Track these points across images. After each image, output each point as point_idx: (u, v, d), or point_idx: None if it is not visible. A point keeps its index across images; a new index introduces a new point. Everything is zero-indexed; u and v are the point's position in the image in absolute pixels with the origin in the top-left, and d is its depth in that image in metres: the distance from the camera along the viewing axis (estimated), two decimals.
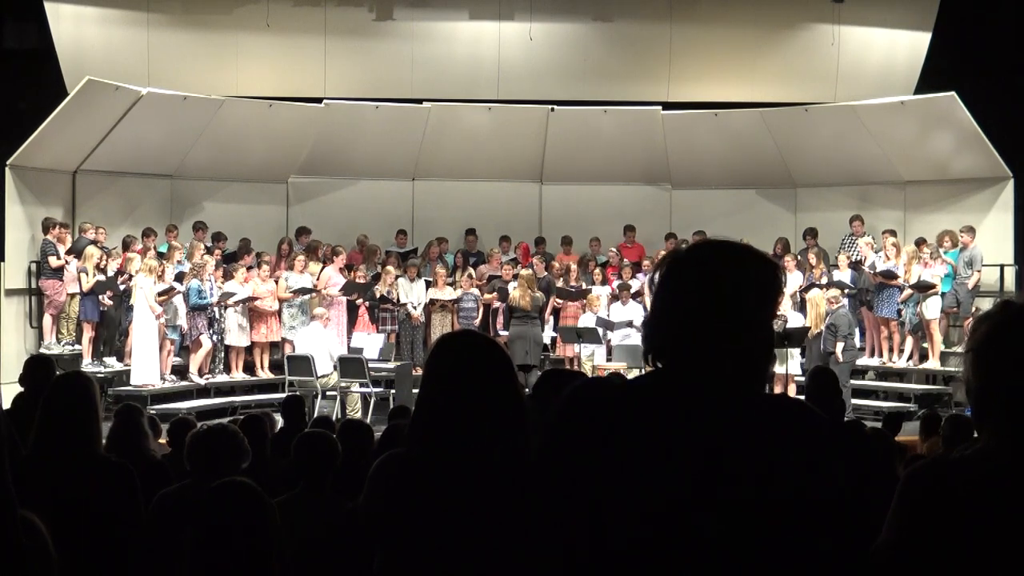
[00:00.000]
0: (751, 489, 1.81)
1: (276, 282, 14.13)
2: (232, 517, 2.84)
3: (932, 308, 13.29)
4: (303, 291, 14.02)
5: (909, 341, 13.68)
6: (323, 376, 12.81)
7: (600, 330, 13.64)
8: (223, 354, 13.86)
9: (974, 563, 1.85)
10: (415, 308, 14.39)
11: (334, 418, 10.79)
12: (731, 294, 1.90)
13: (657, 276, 1.99)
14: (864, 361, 13.97)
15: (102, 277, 12.98)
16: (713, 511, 1.81)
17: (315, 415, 10.62)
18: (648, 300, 14.21)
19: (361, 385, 12.82)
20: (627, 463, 1.86)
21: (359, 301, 14.23)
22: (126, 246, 13.82)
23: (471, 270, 15.01)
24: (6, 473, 1.87)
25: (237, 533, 2.83)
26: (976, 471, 1.89)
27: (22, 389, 5.72)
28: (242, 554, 2.82)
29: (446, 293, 14.50)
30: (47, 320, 13.30)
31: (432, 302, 14.48)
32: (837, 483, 1.84)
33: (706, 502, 1.81)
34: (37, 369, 5.64)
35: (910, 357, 13.69)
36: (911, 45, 15.75)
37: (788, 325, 12.83)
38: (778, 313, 1.99)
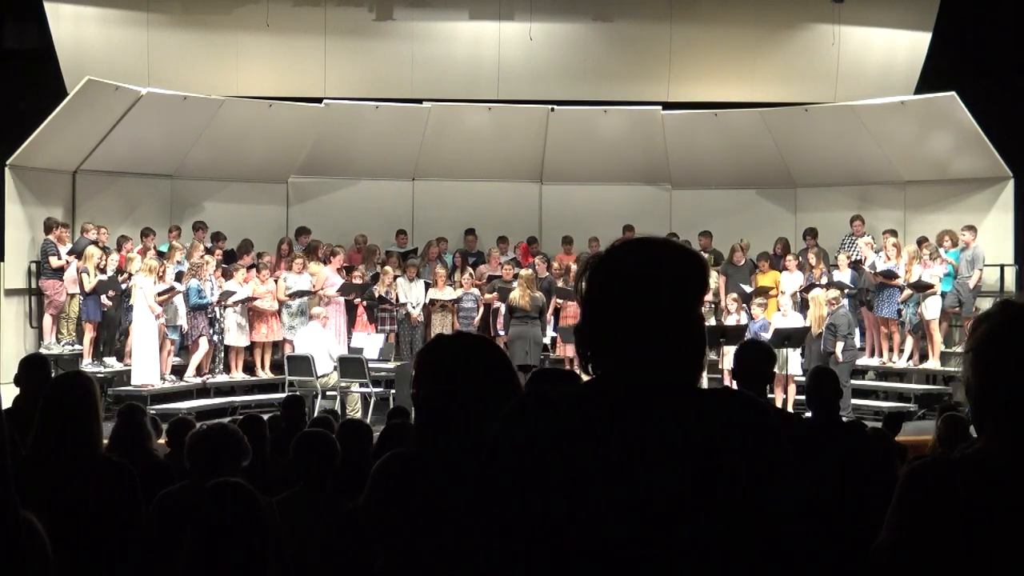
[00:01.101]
0: (696, 483, 1.80)
1: (275, 282, 14.14)
2: (225, 517, 2.84)
3: (932, 308, 13.29)
4: (299, 294, 14.02)
5: (909, 341, 13.68)
6: (323, 376, 12.81)
7: None
8: (223, 354, 13.86)
9: (974, 563, 1.85)
10: (414, 308, 14.39)
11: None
12: (655, 291, 1.89)
13: (582, 282, 1.97)
14: (864, 361, 13.97)
15: (103, 277, 12.98)
16: (661, 509, 1.80)
17: (315, 414, 10.61)
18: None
19: (361, 385, 12.82)
20: (571, 473, 1.84)
21: (357, 301, 14.23)
22: (119, 246, 13.82)
23: (470, 270, 15.01)
24: (8, 474, 1.87)
25: (230, 533, 2.83)
26: (976, 471, 1.88)
27: (19, 389, 5.72)
28: (235, 554, 2.82)
29: (446, 293, 14.49)
30: (47, 320, 13.30)
31: (432, 302, 14.47)
32: (778, 469, 1.84)
33: (652, 501, 1.80)
34: (32, 369, 5.63)
35: (910, 357, 13.69)
36: (911, 45, 15.75)
37: (788, 325, 12.84)
38: (705, 301, 1.99)
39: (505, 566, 1.98)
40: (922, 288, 13.18)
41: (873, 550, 1.94)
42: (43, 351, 12.60)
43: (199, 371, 13.54)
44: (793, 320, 13.09)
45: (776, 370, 5.31)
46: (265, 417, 6.72)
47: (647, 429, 1.84)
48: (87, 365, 12.71)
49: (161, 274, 12.93)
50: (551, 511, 1.85)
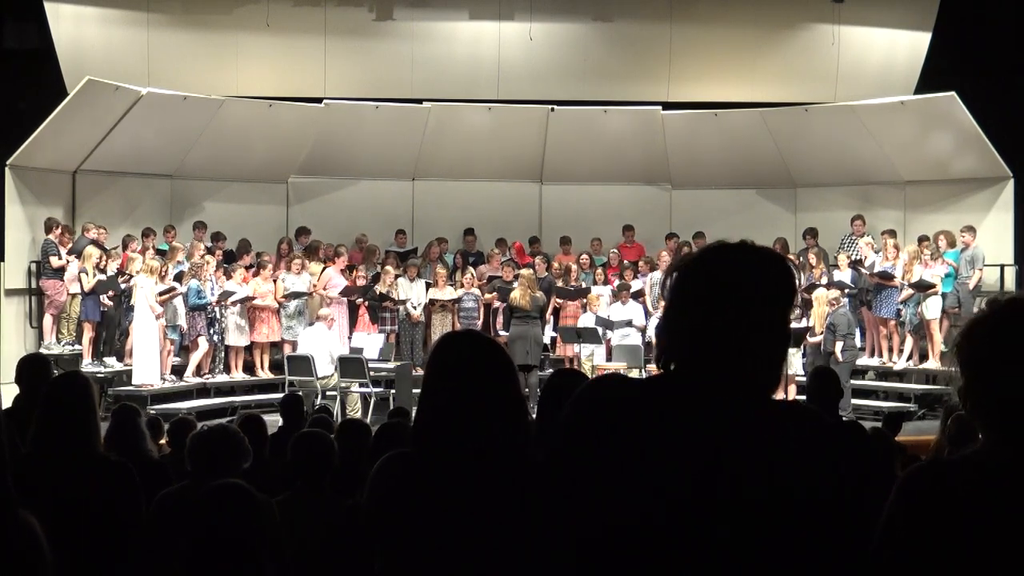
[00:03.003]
0: (755, 491, 1.81)
1: (275, 282, 14.13)
2: (224, 520, 2.84)
3: (932, 308, 13.28)
4: (295, 295, 14.00)
5: (909, 341, 13.68)
6: (324, 377, 12.80)
7: (600, 330, 13.64)
8: (223, 354, 13.86)
9: (974, 565, 1.83)
10: (415, 308, 14.39)
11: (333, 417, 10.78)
12: (746, 297, 1.90)
13: (671, 278, 1.98)
14: (864, 361, 13.96)
15: (102, 277, 12.98)
16: (717, 512, 1.81)
17: (314, 411, 10.59)
18: (649, 300, 14.22)
19: (361, 385, 12.81)
20: (636, 462, 1.86)
21: (359, 301, 14.24)
22: (124, 246, 13.83)
23: (471, 270, 15.01)
24: (7, 474, 1.87)
25: (230, 536, 2.83)
26: (977, 471, 1.87)
27: (19, 389, 5.70)
28: (235, 557, 2.82)
29: (447, 293, 14.49)
30: (47, 320, 13.29)
31: (432, 302, 14.47)
32: (843, 487, 1.85)
33: (710, 503, 1.82)
34: (31, 368, 5.62)
35: (910, 357, 13.68)
36: (911, 45, 15.75)
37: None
38: (793, 315, 1.99)
39: (545, 555, 2.00)
40: (924, 288, 13.18)
41: (871, 553, 1.93)
42: (43, 351, 12.59)
43: (199, 371, 13.55)
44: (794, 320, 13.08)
45: None
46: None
47: (716, 433, 1.85)
48: (87, 365, 12.71)
49: (163, 274, 12.93)
50: (609, 503, 1.86)
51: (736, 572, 1.81)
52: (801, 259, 14.56)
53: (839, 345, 12.64)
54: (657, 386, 1.95)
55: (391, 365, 13.23)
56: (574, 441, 1.94)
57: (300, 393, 10.55)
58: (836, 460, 1.86)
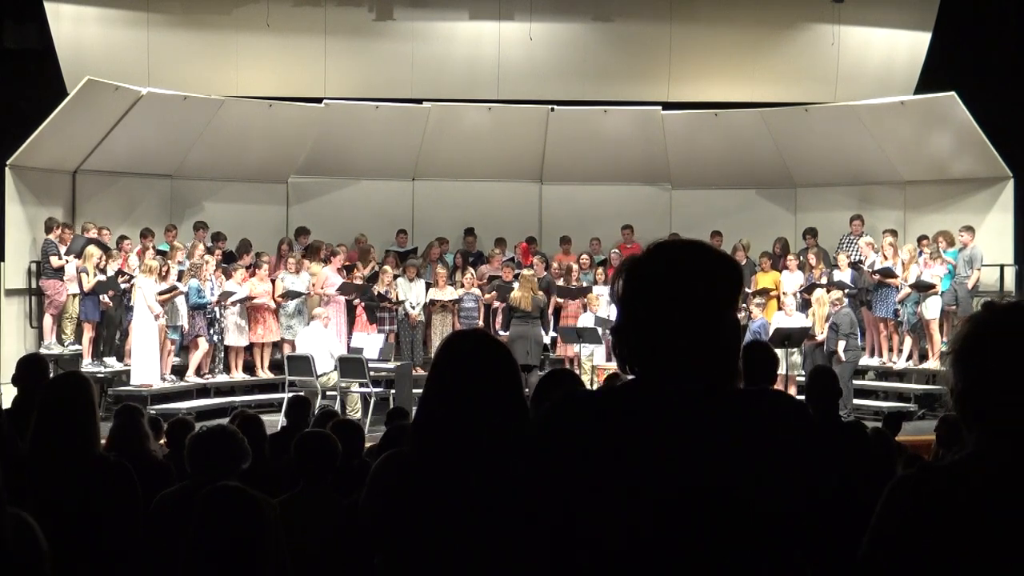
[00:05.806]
0: (735, 484, 1.82)
1: (273, 282, 14.12)
2: (224, 523, 2.84)
3: (932, 308, 13.28)
4: (292, 294, 13.99)
5: (908, 341, 13.68)
6: (323, 375, 12.80)
7: (600, 330, 13.64)
8: (223, 354, 13.86)
9: (966, 569, 1.81)
10: (413, 308, 14.38)
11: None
12: (693, 294, 1.92)
13: (619, 285, 1.99)
14: (864, 361, 13.95)
15: (102, 277, 12.98)
16: (699, 510, 1.81)
17: (316, 412, 10.58)
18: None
19: (361, 385, 12.81)
20: (612, 472, 1.86)
21: (355, 301, 14.23)
22: (118, 246, 13.80)
23: (471, 270, 15.00)
24: None
25: (230, 539, 2.83)
26: (967, 476, 1.85)
27: (17, 389, 5.70)
28: (235, 559, 2.82)
29: (447, 293, 14.48)
30: (47, 320, 13.29)
31: (433, 303, 14.46)
32: (821, 472, 1.86)
33: (691, 501, 1.82)
34: (29, 369, 5.62)
35: (910, 357, 13.68)
36: (911, 45, 15.75)
37: (791, 325, 12.82)
38: (741, 307, 2.02)
39: (524, 564, 1.99)
40: (924, 288, 13.17)
41: (861, 557, 1.90)
42: (43, 351, 12.60)
43: (199, 371, 13.55)
44: (797, 320, 13.08)
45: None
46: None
47: (683, 430, 1.86)
48: (87, 365, 12.70)
49: (164, 274, 12.93)
50: (587, 510, 1.86)
51: (726, 568, 1.81)
52: (801, 259, 14.57)
53: (842, 344, 12.64)
54: (623, 394, 1.95)
55: (391, 365, 13.22)
56: (547, 464, 1.93)
57: (305, 394, 10.55)
58: (809, 445, 1.88)
